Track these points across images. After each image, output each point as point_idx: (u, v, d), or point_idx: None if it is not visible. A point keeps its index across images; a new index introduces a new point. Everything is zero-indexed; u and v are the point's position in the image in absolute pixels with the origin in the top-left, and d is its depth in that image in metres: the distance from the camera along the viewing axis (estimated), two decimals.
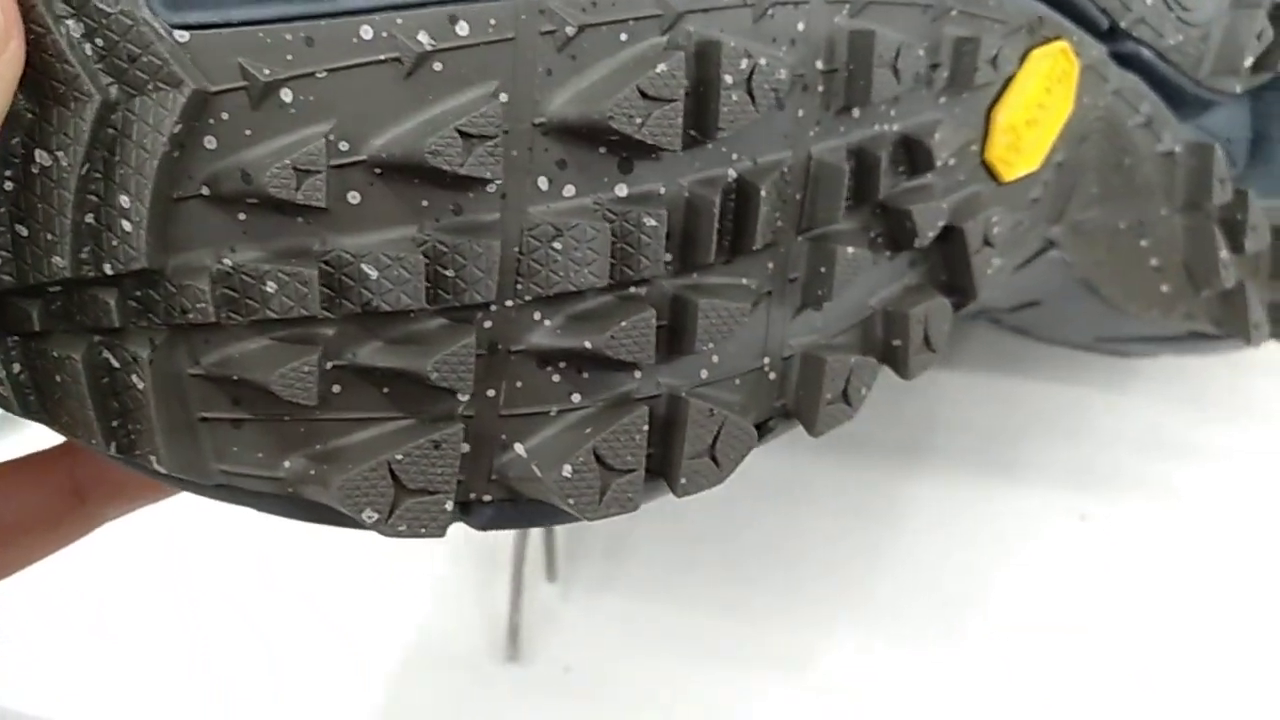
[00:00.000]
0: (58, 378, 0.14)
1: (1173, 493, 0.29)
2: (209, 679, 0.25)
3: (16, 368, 0.14)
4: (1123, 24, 0.22)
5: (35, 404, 0.14)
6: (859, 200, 0.18)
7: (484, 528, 0.16)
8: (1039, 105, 0.20)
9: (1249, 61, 0.24)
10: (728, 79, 0.15)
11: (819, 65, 0.17)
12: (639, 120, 0.15)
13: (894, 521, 0.29)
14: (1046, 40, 0.20)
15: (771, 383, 0.18)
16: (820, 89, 0.17)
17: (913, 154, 0.18)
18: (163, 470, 0.14)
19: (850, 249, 0.18)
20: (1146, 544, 0.28)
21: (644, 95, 0.15)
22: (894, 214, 0.18)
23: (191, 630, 0.25)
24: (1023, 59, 0.20)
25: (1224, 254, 0.24)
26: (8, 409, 0.14)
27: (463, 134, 0.14)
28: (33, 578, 0.18)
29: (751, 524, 0.28)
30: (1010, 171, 0.20)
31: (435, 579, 0.26)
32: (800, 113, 0.17)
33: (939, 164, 0.18)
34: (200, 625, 0.25)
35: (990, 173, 0.20)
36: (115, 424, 0.14)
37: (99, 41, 0.13)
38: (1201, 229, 0.24)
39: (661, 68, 0.15)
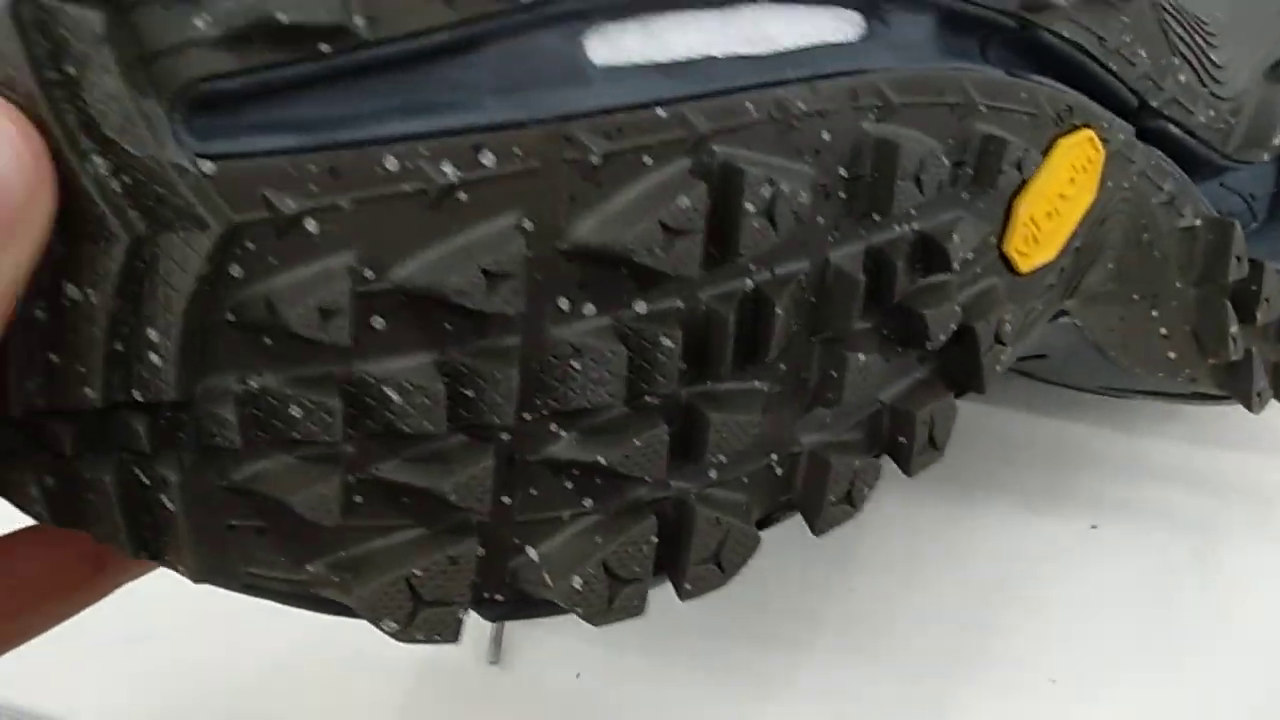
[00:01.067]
0: (89, 496, 0.14)
1: (1182, 503, 0.29)
2: (189, 681, 0.25)
3: (50, 481, 0.14)
4: (1154, 103, 0.22)
5: (67, 516, 0.14)
6: (874, 303, 0.18)
7: (495, 620, 0.17)
8: (1061, 196, 0.20)
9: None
10: (750, 207, 0.16)
11: (842, 172, 0.17)
12: (660, 252, 0.15)
13: (887, 531, 0.29)
14: (1074, 129, 0.20)
15: (778, 478, 0.18)
16: (842, 195, 0.17)
17: (930, 254, 0.18)
18: (189, 577, 0.15)
19: (862, 356, 0.18)
20: (1156, 553, 0.28)
21: (665, 228, 0.15)
22: (908, 315, 0.18)
23: (170, 632, 0.26)
24: (1048, 149, 0.20)
25: (1234, 328, 0.24)
26: (40, 520, 0.14)
27: (487, 273, 0.14)
28: None
29: None
30: (1027, 263, 0.20)
31: None
32: (820, 220, 0.17)
33: (956, 266, 0.19)
34: (179, 628, 0.26)
35: (1007, 264, 0.20)
36: (145, 536, 0.14)
37: (126, 179, 0.13)
38: (1213, 302, 0.24)
39: (684, 201, 0.15)
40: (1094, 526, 0.29)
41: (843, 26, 0.17)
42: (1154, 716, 0.25)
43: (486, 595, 0.16)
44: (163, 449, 0.14)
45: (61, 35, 0.12)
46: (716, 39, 0.16)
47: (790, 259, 0.17)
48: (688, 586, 0.17)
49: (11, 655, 0.17)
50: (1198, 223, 0.24)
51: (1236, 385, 0.25)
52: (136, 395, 0.14)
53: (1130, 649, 0.26)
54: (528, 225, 0.15)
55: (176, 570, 0.15)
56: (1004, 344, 0.20)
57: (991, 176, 0.19)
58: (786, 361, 0.18)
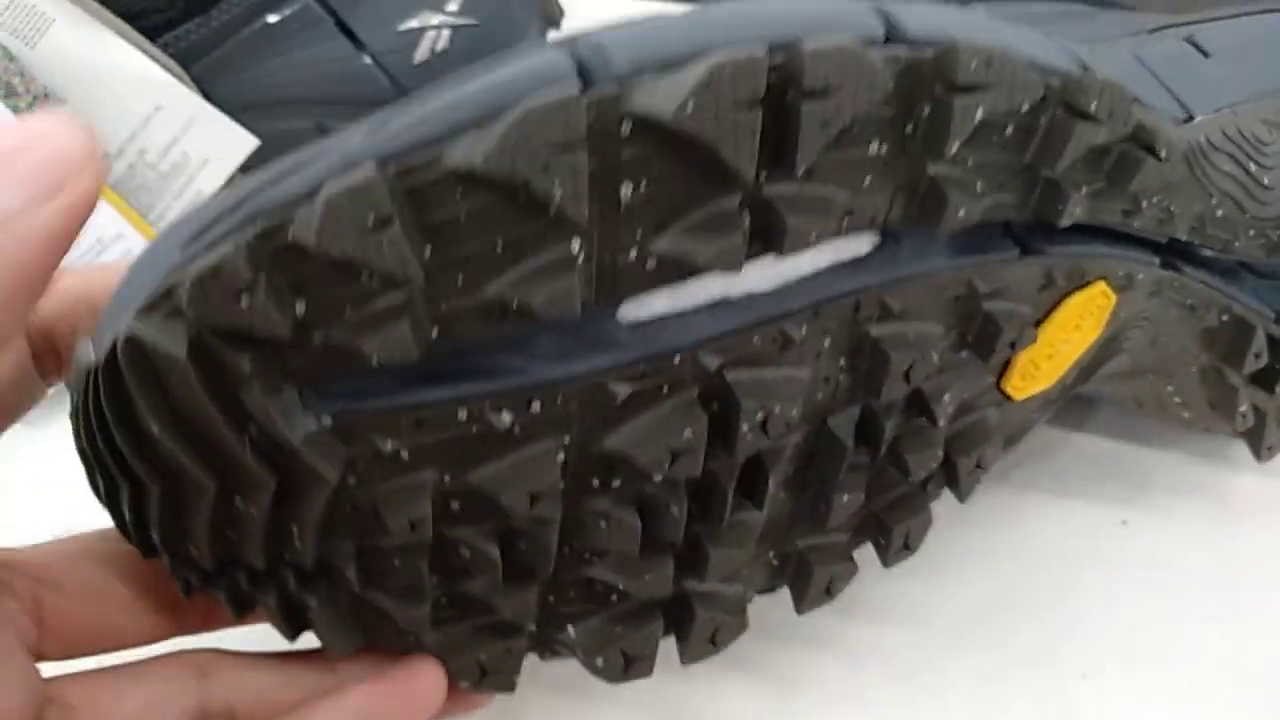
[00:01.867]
0: (260, 607, 0.20)
1: (1213, 498, 0.29)
2: None
3: (234, 596, 0.20)
4: (1184, 238, 0.23)
5: (247, 615, 0.21)
6: (862, 451, 0.22)
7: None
8: (1064, 340, 0.23)
9: None
10: (744, 427, 0.19)
11: (842, 363, 0.21)
12: (666, 465, 0.19)
13: None
14: (1085, 285, 0.22)
15: (774, 568, 0.23)
16: (841, 378, 0.21)
17: (921, 408, 0.22)
18: (329, 648, 0.21)
19: (846, 496, 0.22)
20: (1188, 549, 0.29)
21: (672, 452, 0.19)
22: (893, 456, 0.22)
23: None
24: (1056, 306, 0.22)
25: (1244, 407, 0.26)
26: (230, 610, 0.21)
27: (531, 494, 0.19)
28: None
29: None
30: (1022, 394, 0.23)
31: None
32: (819, 396, 0.21)
33: (942, 422, 0.22)
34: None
35: (1003, 394, 0.23)
36: (297, 627, 0.21)
37: (268, 444, 0.18)
38: (1227, 387, 0.26)
39: (688, 434, 0.19)
40: (1124, 523, 0.29)
41: (857, 245, 0.20)
42: (1185, 711, 0.25)
43: (538, 651, 0.23)
44: (305, 587, 0.20)
45: (222, 365, 0.17)
46: (735, 283, 0.19)
47: (790, 433, 0.21)
48: (686, 657, 0.23)
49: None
50: (1223, 319, 0.25)
51: (1249, 438, 0.28)
52: (286, 556, 0.19)
53: (1160, 644, 0.26)
54: (566, 441, 0.19)
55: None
56: (984, 468, 0.23)
57: (987, 351, 0.21)
58: (785, 491, 0.22)
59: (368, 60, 0.40)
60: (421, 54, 0.40)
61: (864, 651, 0.27)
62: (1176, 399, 0.27)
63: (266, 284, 0.16)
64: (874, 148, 0.18)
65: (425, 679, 0.22)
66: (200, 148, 0.38)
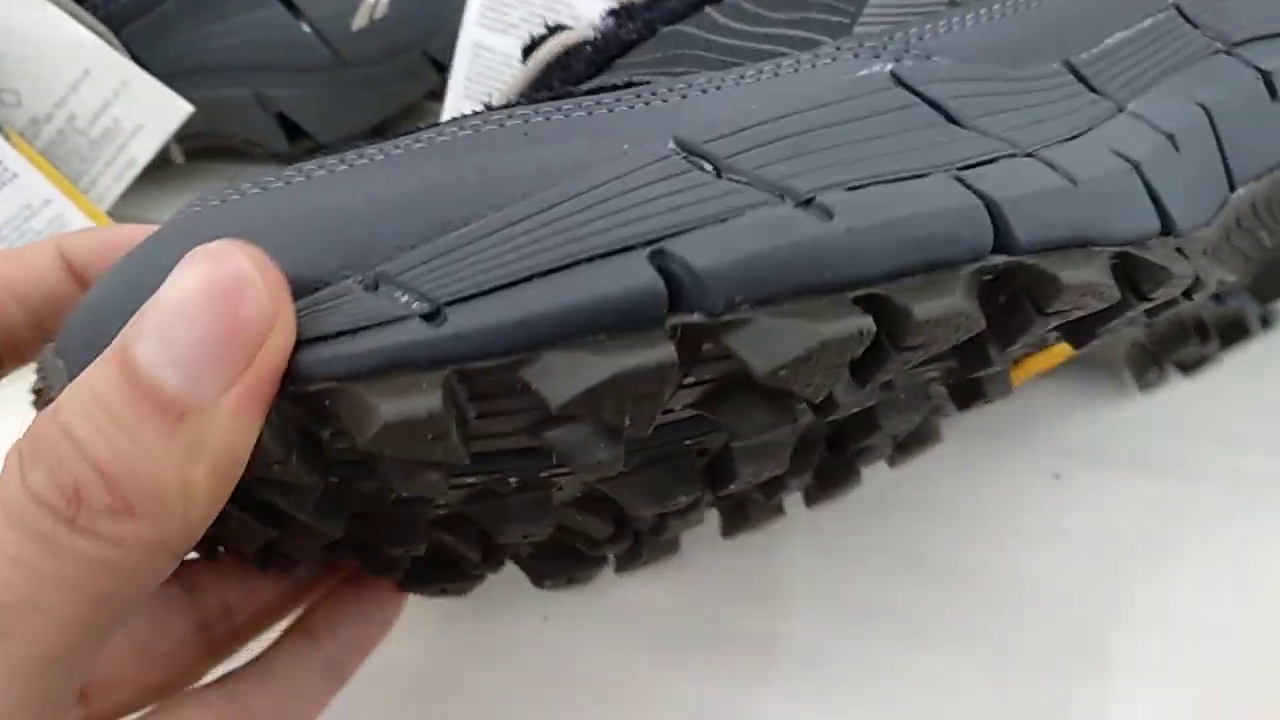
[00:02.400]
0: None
1: (1147, 452, 0.29)
2: None
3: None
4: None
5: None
6: (828, 455, 0.23)
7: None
8: (1030, 368, 0.24)
9: None
10: (734, 486, 0.20)
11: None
12: (655, 514, 0.20)
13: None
14: None
15: (709, 504, 0.25)
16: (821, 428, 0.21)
17: (889, 442, 0.23)
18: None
19: (794, 482, 0.24)
20: (1121, 503, 0.28)
21: (662, 507, 0.20)
22: (849, 463, 0.24)
23: None
24: (1036, 352, 0.23)
25: (1154, 374, 0.28)
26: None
27: (524, 533, 0.20)
28: None
29: None
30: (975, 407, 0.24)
31: None
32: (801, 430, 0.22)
33: (899, 438, 0.23)
34: None
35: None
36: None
37: (266, 509, 0.18)
38: (1151, 358, 0.28)
39: (682, 498, 0.20)
40: (1057, 476, 0.29)
41: None
42: (1116, 660, 0.25)
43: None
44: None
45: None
46: None
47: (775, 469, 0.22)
48: (617, 570, 0.25)
49: None
50: (1172, 322, 0.26)
51: (1143, 385, 0.30)
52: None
53: (1092, 595, 0.26)
54: (563, 487, 0.20)
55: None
56: (921, 455, 0.25)
57: (965, 405, 0.22)
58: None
59: (305, 28, 0.39)
60: (360, 21, 0.39)
61: (794, 605, 0.26)
62: (1100, 357, 0.29)
63: (299, 450, 0.15)
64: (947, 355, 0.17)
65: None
66: (132, 114, 0.37)
